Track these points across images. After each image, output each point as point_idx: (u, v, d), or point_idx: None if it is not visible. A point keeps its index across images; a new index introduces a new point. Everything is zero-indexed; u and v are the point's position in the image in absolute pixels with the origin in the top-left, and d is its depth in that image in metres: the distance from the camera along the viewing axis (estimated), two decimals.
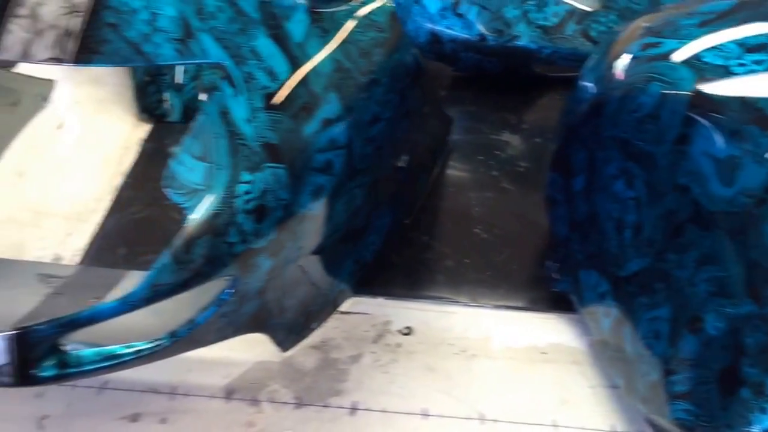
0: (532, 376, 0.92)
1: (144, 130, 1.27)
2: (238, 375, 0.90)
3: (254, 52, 0.76)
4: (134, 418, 0.86)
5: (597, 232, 0.89)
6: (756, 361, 0.73)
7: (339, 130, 0.81)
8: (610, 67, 0.87)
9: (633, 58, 0.85)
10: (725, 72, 0.77)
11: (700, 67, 0.78)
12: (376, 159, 0.88)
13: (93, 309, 0.71)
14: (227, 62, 0.74)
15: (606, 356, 0.89)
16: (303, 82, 0.78)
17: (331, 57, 0.81)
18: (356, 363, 0.92)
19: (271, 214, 0.76)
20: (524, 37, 1.29)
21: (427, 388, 0.90)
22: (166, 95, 1.27)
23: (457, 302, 1.00)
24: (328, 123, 0.79)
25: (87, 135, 1.25)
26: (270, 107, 0.76)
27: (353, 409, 0.87)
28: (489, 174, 1.20)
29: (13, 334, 0.70)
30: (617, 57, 0.87)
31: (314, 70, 0.79)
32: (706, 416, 0.76)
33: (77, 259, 1.03)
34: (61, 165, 1.19)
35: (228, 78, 0.74)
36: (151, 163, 1.21)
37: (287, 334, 0.91)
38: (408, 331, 0.96)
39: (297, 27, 0.79)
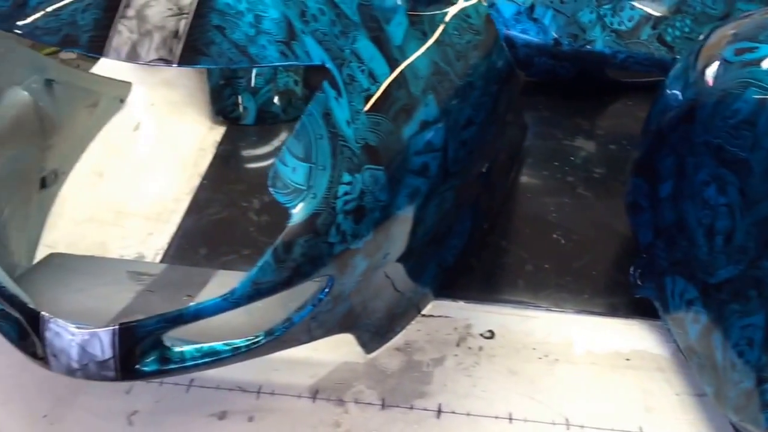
0: (615, 382, 0.91)
1: (218, 132, 1.29)
2: (324, 375, 0.91)
3: (355, 55, 0.76)
4: (222, 415, 0.87)
5: (685, 238, 0.89)
6: None
7: (436, 132, 0.81)
8: (701, 73, 0.86)
9: (726, 64, 0.84)
10: None
11: None
12: (467, 163, 0.88)
13: (198, 306, 0.72)
14: (329, 64, 0.75)
15: (693, 363, 0.88)
16: (402, 84, 0.78)
17: (429, 59, 0.81)
18: (439, 366, 0.92)
19: (369, 215, 0.76)
20: (599, 42, 1.29)
21: (510, 391, 0.90)
22: (241, 98, 1.28)
23: (538, 307, 1.00)
24: (425, 125, 0.80)
25: (163, 137, 1.27)
26: (370, 109, 0.76)
27: (438, 412, 0.87)
28: (564, 180, 1.19)
29: (118, 328, 0.71)
30: (708, 63, 0.87)
31: (413, 72, 0.79)
32: None
33: (159, 258, 1.05)
34: (139, 166, 1.20)
35: (330, 80, 0.75)
36: (226, 166, 1.22)
37: (372, 336, 0.91)
38: (490, 335, 0.96)
39: (396, 29, 0.80)
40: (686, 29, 1.30)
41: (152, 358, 0.74)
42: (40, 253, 1.00)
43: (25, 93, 1.03)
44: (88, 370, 0.72)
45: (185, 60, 0.72)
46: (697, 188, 0.87)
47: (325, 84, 0.75)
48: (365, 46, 0.77)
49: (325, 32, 0.76)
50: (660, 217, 0.93)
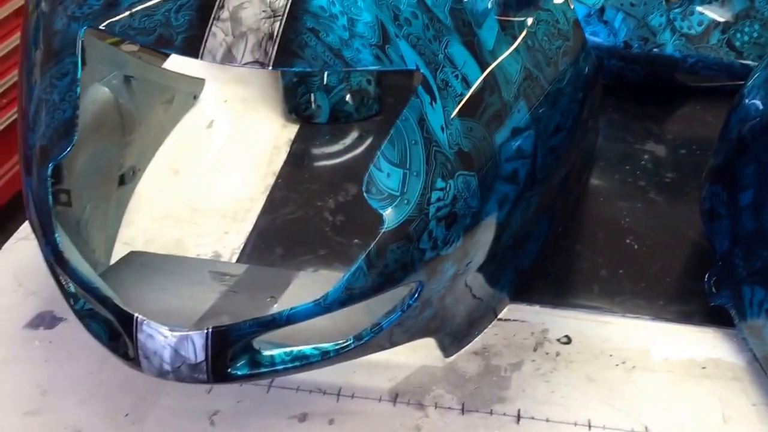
0: (692, 391, 0.91)
1: (292, 131, 1.29)
2: (403, 378, 0.91)
3: (449, 59, 0.76)
4: (302, 418, 0.87)
5: (765, 248, 0.88)
6: None
7: (526, 139, 0.81)
8: None
9: None
10: None
11: None
12: (553, 169, 0.88)
13: (291, 310, 0.72)
14: (424, 69, 0.75)
15: None
16: (495, 89, 0.78)
17: (520, 65, 0.81)
18: (517, 370, 0.92)
19: (460, 221, 0.76)
20: (669, 46, 1.28)
21: (589, 398, 0.90)
22: (315, 97, 1.29)
23: (614, 313, 0.99)
24: (517, 132, 0.80)
25: (236, 134, 1.27)
26: (464, 115, 0.76)
27: (518, 417, 0.88)
28: (636, 184, 1.19)
29: (210, 331, 0.71)
30: None
31: (505, 77, 0.79)
32: None
33: (235, 257, 1.05)
34: (214, 163, 1.21)
35: (425, 85, 0.75)
36: (300, 165, 1.22)
37: (452, 340, 0.92)
38: (567, 340, 0.96)
39: (488, 34, 0.79)
40: (755, 34, 1.29)
41: (243, 361, 0.74)
42: (117, 250, 1.01)
43: (106, 89, 1.04)
44: (180, 373, 0.73)
45: (279, 63, 0.73)
46: None
47: (420, 89, 0.75)
48: (458, 51, 0.77)
49: (419, 36, 0.76)
50: (739, 225, 0.92)
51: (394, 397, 0.90)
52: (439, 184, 0.74)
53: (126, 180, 1.07)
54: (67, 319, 0.96)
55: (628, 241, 1.09)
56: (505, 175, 0.80)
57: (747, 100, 0.92)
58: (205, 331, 0.71)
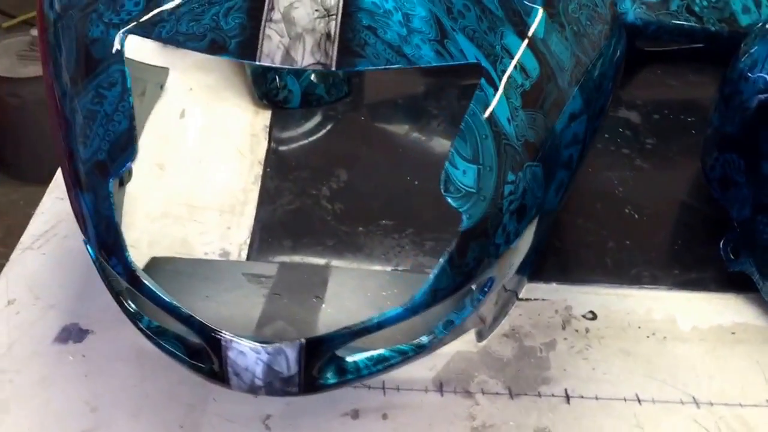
0: (728, 357, 0.91)
1: (265, 117, 1.23)
2: (443, 367, 0.88)
3: (506, 50, 0.73)
4: (355, 414, 0.84)
5: None
6: None
7: (580, 124, 0.79)
8: None
9: None
10: None
11: None
12: (591, 149, 0.86)
13: (381, 317, 0.69)
14: (484, 62, 0.72)
15: None
16: (552, 78, 0.76)
17: (570, 51, 0.78)
18: (552, 350, 0.91)
19: (528, 213, 0.74)
20: (630, 14, 1.28)
21: (631, 372, 0.89)
22: (285, 82, 1.23)
23: (631, 285, 0.99)
24: (573, 118, 0.77)
25: (211, 123, 1.21)
26: (527, 105, 0.73)
27: (567, 397, 0.86)
28: (620, 152, 1.19)
29: (304, 343, 0.67)
30: None
31: (559, 65, 0.77)
32: None
33: (244, 253, 1.00)
34: (196, 155, 1.14)
35: (487, 77, 0.71)
36: (284, 152, 1.17)
37: (484, 325, 0.89)
38: (592, 316, 0.95)
39: (538, 22, 0.77)
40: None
41: (331, 370, 0.71)
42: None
43: None
44: (272, 387, 0.68)
45: (342, 63, 0.69)
46: None
47: (483, 82, 0.72)
48: (513, 42, 0.74)
49: (474, 29, 0.72)
50: (762, 193, 0.93)
51: (440, 387, 0.87)
52: (510, 177, 0.72)
53: (125, 181, 0.99)
54: (94, 331, 0.90)
55: (627, 211, 1.09)
56: (564, 162, 0.78)
57: (752, 74, 0.93)
58: (298, 343, 0.67)
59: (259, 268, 0.90)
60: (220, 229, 1.03)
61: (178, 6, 0.71)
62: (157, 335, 0.73)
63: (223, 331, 0.67)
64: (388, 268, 0.98)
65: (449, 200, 0.69)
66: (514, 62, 0.73)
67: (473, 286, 0.75)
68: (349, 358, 0.72)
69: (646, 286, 0.99)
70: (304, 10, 0.69)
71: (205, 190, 1.08)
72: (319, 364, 0.69)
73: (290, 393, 0.69)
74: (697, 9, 1.30)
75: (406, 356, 0.73)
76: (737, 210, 0.96)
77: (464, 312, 0.75)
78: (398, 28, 0.69)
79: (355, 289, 0.85)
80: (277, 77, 1.23)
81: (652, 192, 1.12)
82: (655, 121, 1.25)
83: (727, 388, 0.88)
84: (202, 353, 0.70)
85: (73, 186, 0.74)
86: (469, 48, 0.71)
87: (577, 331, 0.93)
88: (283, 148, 1.18)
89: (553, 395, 0.87)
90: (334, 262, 0.99)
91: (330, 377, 0.70)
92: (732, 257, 0.98)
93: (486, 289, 0.75)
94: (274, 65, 0.69)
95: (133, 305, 0.74)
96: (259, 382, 0.68)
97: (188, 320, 0.68)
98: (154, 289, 0.69)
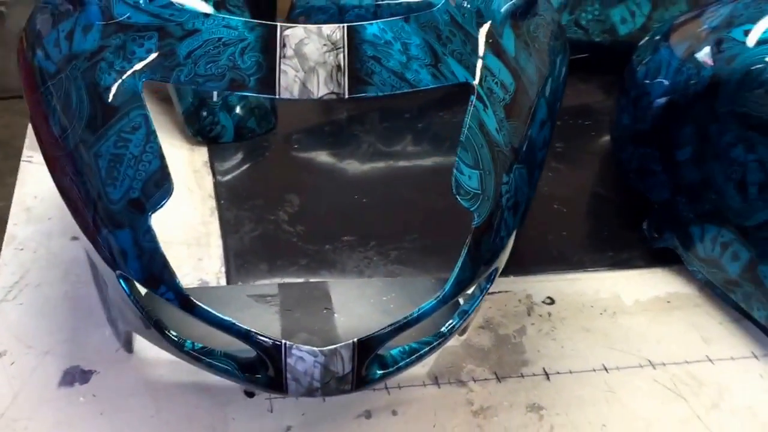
0: (669, 323, 1.03)
1: (202, 152, 1.28)
2: (434, 362, 0.96)
3: (488, 69, 0.82)
4: (368, 415, 0.89)
5: (712, 193, 1.02)
6: None
7: (547, 129, 0.88)
8: (714, 54, 0.99)
9: (735, 45, 0.97)
10: None
11: None
12: None
13: (419, 311, 0.76)
14: (472, 81, 0.80)
15: (737, 294, 1.01)
16: (524, 91, 0.85)
17: (535, 66, 0.88)
18: (524, 335, 1.00)
19: (520, 207, 0.83)
20: None
21: (593, 346, 0.99)
22: (218, 117, 1.28)
23: (576, 270, 1.09)
24: (542, 124, 0.87)
25: None
26: (509, 116, 0.82)
27: (546, 375, 0.95)
28: None
29: (357, 341, 0.73)
30: (700, 48, 1.00)
31: (528, 79, 0.86)
32: None
33: (222, 280, 1.04)
34: None
35: (477, 95, 0.80)
36: (232, 183, 1.21)
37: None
38: (551, 301, 1.05)
39: (508, 42, 0.86)
40: (596, 12, 1.44)
41: (375, 366, 0.77)
42: None
43: None
44: (328, 387, 0.74)
45: (354, 91, 0.75)
46: (723, 150, 0.99)
47: (473, 98, 0.80)
48: (492, 61, 0.83)
49: (461, 52, 0.81)
50: (679, 177, 1.06)
51: (435, 380, 0.94)
52: (504, 178, 0.80)
53: None
54: (98, 371, 0.91)
55: (555, 206, 1.20)
56: (538, 162, 0.87)
57: (649, 81, 1.06)
58: (351, 343, 0.73)
59: (260, 289, 0.94)
60: (192, 261, 1.06)
61: (194, 50, 0.75)
62: (205, 356, 0.76)
63: (283, 340, 0.72)
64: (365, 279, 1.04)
65: (461, 202, 0.77)
66: (494, 79, 0.82)
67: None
68: (387, 353, 0.78)
69: (589, 269, 1.10)
70: (313, 45, 0.75)
71: (166, 227, 1.10)
72: (369, 361, 0.74)
73: (344, 391, 0.74)
74: (583, 22, 1.43)
75: (431, 345, 0.80)
76: (656, 194, 1.09)
77: (475, 301, 0.82)
78: (399, 56, 0.77)
79: (357, 298, 0.91)
80: (209, 114, 1.27)
81: (571, 188, 1.24)
82: (558, 128, 1.36)
83: (673, 350, 0.99)
84: (255, 365, 0.75)
85: (102, 226, 0.76)
86: (459, 69, 0.79)
87: (540, 316, 1.03)
88: (228, 179, 1.22)
89: (534, 374, 0.95)
90: (312, 279, 1.04)
91: (377, 372, 0.76)
92: (655, 236, 1.10)
93: (492, 278, 0.83)
94: (293, 97, 0.74)
95: (173, 332, 0.77)
96: (316, 384, 0.73)
97: (246, 334, 0.72)
98: (209, 310, 0.73)
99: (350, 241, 1.10)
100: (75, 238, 1.08)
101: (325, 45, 0.75)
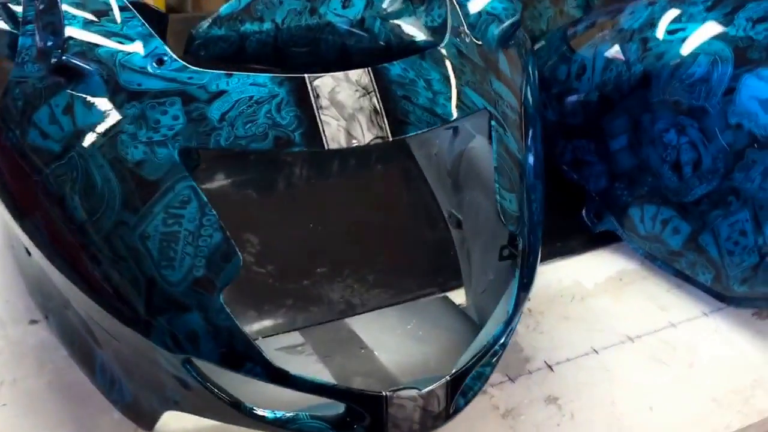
0: (628, 298, 1.12)
1: None
2: None
3: (498, 94, 0.85)
4: None
5: (649, 176, 1.11)
6: None
7: (539, 141, 0.92)
8: (640, 50, 1.08)
9: (661, 43, 1.07)
10: (749, 39, 1.02)
11: (731, 39, 1.03)
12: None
13: (492, 336, 0.79)
14: (490, 107, 0.83)
15: (682, 263, 1.11)
16: (527, 109, 0.89)
17: (529, 84, 0.92)
18: (516, 334, 1.04)
19: (540, 221, 0.87)
20: None
21: (577, 332, 1.06)
22: None
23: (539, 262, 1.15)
24: (535, 139, 0.91)
25: None
26: (521, 135, 0.86)
27: (549, 366, 1.01)
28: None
29: (450, 379, 0.75)
30: (629, 47, 1.09)
31: (526, 98, 0.90)
32: None
33: None
34: None
35: (496, 120, 0.83)
36: None
37: None
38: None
39: (504, 67, 0.89)
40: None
41: (459, 396, 0.78)
42: None
43: None
44: (425, 426, 0.75)
45: (396, 132, 0.76)
46: (656, 135, 1.09)
47: (494, 124, 0.83)
48: (498, 86, 0.86)
49: (474, 81, 0.84)
50: (615, 165, 1.14)
51: None
52: (532, 195, 0.84)
53: None
54: None
55: None
56: (542, 173, 0.92)
57: (589, 75, 1.13)
58: (445, 380, 0.74)
59: (285, 340, 0.92)
60: None
61: (226, 111, 0.73)
62: (291, 422, 0.74)
63: (384, 392, 0.72)
64: (357, 309, 1.05)
65: (509, 228, 0.80)
66: (504, 103, 0.85)
67: None
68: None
69: (547, 261, 1.16)
70: (345, 93, 0.75)
71: None
72: (457, 392, 0.76)
73: (437, 426, 0.76)
74: None
75: (492, 366, 0.82)
76: (594, 183, 1.17)
77: (519, 315, 0.86)
78: (425, 92, 0.78)
79: (384, 331, 0.92)
80: None
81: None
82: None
83: (640, 322, 1.09)
84: (347, 420, 0.74)
85: (159, 312, 0.72)
86: (477, 98, 0.82)
87: (522, 313, 1.07)
88: None
89: (539, 369, 1.01)
90: (302, 317, 1.03)
91: (461, 402, 0.78)
92: (596, 221, 1.18)
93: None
94: (341, 147, 0.74)
95: (250, 406, 0.75)
96: (416, 427, 0.74)
97: (347, 393, 0.72)
98: (306, 377, 0.72)
99: (325, 272, 1.10)
100: (34, 322, 0.99)
101: (356, 91, 0.75)
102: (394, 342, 0.91)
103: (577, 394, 0.98)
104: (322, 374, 0.85)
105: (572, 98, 1.17)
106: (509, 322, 0.80)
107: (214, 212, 0.71)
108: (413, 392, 0.73)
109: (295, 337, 0.93)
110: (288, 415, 0.75)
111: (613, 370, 1.01)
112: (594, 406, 0.97)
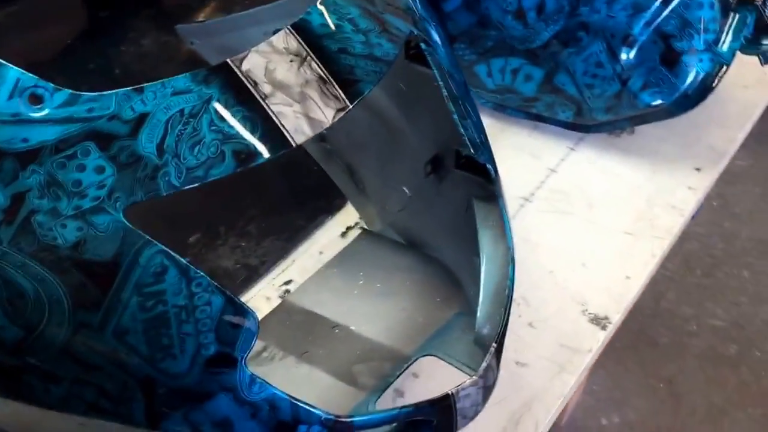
0: (507, 157, 1.06)
1: None
2: None
3: (414, 11, 0.72)
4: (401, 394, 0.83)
5: (491, 29, 1.05)
6: (680, 37, 1.01)
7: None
8: None
9: None
10: None
11: None
12: None
13: (509, 278, 0.71)
14: (416, 31, 0.70)
15: (540, 106, 1.08)
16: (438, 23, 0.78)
17: None
18: None
19: None
20: None
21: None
22: None
23: None
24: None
25: None
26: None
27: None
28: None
29: (495, 347, 0.67)
30: None
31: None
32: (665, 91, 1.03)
33: None
34: None
35: (424, 41, 0.71)
36: None
37: None
38: None
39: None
40: None
41: None
42: None
43: None
44: (486, 399, 0.67)
45: (352, 96, 0.61)
46: None
47: (423, 46, 0.71)
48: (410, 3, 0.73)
49: (386, 2, 0.69)
50: (453, 26, 1.06)
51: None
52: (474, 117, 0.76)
53: None
54: None
55: None
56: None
57: None
58: (492, 348, 0.67)
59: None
60: None
61: (161, 140, 0.53)
62: None
63: (449, 391, 0.63)
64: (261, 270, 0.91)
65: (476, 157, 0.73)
66: (425, 21, 0.73)
67: None
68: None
69: None
70: (282, 68, 0.59)
71: None
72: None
73: (490, 396, 0.68)
74: None
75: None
76: None
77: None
78: (356, 36, 0.63)
79: (340, 296, 0.81)
80: None
81: None
82: None
83: (528, 178, 1.07)
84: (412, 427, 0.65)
85: (173, 409, 0.56)
86: (401, 23, 0.68)
87: None
88: None
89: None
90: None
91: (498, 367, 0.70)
92: None
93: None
94: (310, 135, 0.58)
95: None
96: (480, 408, 0.67)
97: (414, 411, 0.62)
98: (366, 418, 0.61)
99: (199, 239, 0.95)
100: None
101: (291, 61, 0.59)
102: (360, 306, 0.80)
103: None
104: (315, 378, 0.73)
105: None
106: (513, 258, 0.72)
107: (201, 271, 0.54)
108: (474, 378, 0.65)
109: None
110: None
111: (529, 237, 0.98)
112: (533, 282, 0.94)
